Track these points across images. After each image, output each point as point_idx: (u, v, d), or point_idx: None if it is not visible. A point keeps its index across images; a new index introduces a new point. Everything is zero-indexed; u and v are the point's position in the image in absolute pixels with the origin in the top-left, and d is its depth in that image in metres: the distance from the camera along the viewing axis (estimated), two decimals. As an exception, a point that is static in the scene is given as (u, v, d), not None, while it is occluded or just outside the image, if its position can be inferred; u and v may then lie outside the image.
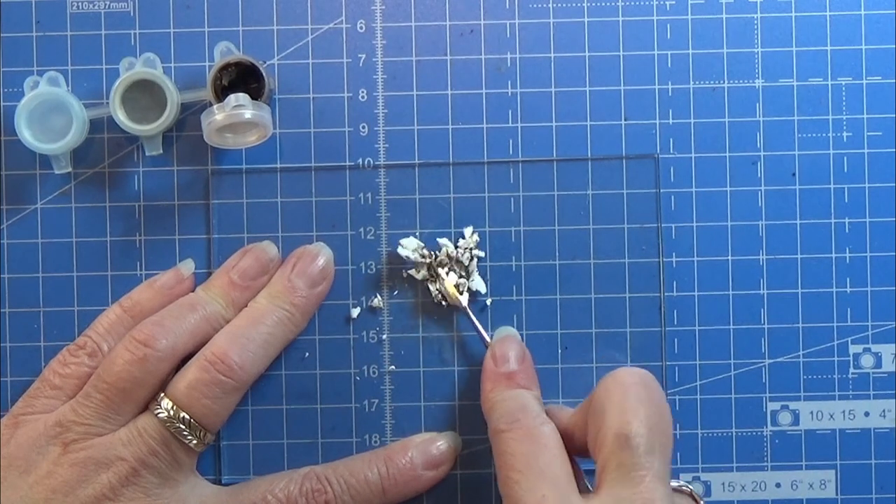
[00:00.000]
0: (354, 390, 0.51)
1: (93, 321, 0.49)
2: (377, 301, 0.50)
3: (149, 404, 0.47)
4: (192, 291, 0.50)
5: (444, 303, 0.50)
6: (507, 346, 0.49)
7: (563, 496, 0.42)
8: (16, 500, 0.45)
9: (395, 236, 0.50)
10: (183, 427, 0.46)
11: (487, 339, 0.50)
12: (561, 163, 0.50)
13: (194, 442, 0.46)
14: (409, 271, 0.50)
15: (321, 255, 0.50)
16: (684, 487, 0.46)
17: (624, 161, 0.50)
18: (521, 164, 0.50)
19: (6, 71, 0.50)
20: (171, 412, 0.46)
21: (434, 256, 0.50)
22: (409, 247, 0.50)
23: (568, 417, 0.46)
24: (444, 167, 0.50)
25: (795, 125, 0.51)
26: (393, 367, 0.51)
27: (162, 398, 0.46)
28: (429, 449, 0.49)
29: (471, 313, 0.50)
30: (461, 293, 0.50)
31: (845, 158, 0.51)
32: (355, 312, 0.50)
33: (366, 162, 0.51)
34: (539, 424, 0.44)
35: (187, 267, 0.50)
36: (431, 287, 0.50)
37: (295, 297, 0.49)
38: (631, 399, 0.42)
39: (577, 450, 0.45)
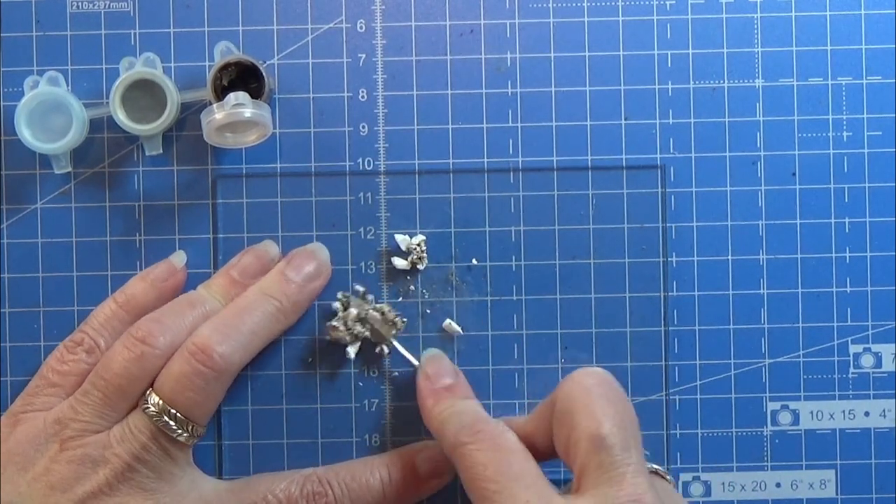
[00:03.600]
0: (354, 390, 0.51)
1: (87, 316, 0.49)
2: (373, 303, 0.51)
3: (139, 400, 0.47)
4: (185, 283, 0.50)
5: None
6: (437, 364, 0.49)
7: (546, 500, 0.41)
8: (14, 496, 0.45)
9: (395, 236, 0.50)
10: (170, 421, 0.46)
11: (415, 361, 0.49)
12: (562, 170, 0.51)
13: (184, 436, 0.46)
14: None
15: (316, 254, 0.50)
16: (650, 468, 0.45)
17: (624, 171, 0.50)
18: (521, 173, 0.50)
19: (6, 71, 0.50)
20: (158, 407, 0.46)
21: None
22: (404, 244, 0.50)
23: (524, 424, 0.46)
24: (445, 174, 0.51)
25: (795, 125, 0.51)
26: (394, 372, 0.51)
27: (150, 394, 0.46)
28: (432, 456, 0.49)
29: (401, 347, 0.50)
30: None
31: (845, 158, 0.51)
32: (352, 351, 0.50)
33: (366, 162, 0.51)
34: (502, 432, 0.44)
35: (179, 258, 0.50)
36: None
37: (286, 290, 0.48)
38: (597, 400, 0.42)
39: (540, 455, 0.44)
